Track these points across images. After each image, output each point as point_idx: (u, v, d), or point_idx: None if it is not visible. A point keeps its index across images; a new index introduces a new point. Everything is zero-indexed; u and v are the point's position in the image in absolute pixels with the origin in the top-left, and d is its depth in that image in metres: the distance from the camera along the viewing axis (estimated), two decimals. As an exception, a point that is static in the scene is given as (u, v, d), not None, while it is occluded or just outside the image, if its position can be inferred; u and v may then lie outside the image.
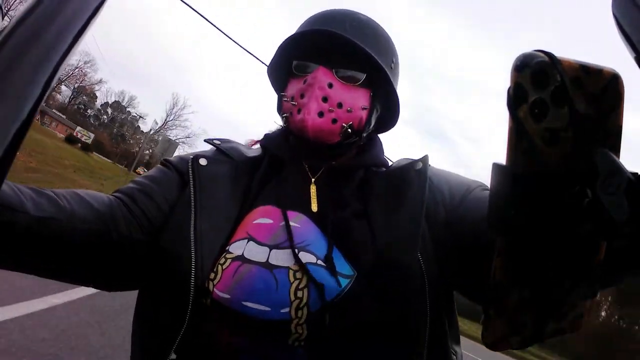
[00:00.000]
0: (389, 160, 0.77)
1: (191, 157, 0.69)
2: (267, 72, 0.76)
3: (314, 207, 0.66)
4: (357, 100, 0.68)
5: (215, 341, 0.59)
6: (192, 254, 0.59)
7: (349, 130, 0.68)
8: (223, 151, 0.72)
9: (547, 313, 0.43)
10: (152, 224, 0.64)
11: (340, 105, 0.67)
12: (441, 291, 0.62)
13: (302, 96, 0.67)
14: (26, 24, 0.34)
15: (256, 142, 0.79)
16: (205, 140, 0.75)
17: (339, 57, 0.68)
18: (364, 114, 0.70)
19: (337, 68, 0.68)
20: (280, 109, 0.73)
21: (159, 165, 0.74)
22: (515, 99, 0.38)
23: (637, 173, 0.34)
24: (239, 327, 0.58)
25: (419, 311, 0.59)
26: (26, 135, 0.34)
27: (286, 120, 0.70)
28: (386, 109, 0.75)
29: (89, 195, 0.61)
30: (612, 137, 0.38)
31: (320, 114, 0.65)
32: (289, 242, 0.61)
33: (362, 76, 0.69)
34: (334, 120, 0.66)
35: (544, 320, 0.44)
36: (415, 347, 0.59)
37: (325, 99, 0.66)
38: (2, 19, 0.39)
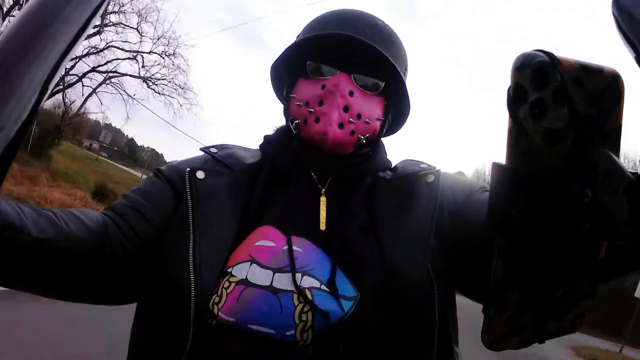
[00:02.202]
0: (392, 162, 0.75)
1: (188, 169, 0.66)
2: (272, 68, 0.73)
3: (322, 225, 0.64)
4: (374, 111, 0.67)
5: (221, 350, 0.59)
6: (191, 277, 0.58)
7: (364, 141, 0.67)
8: (220, 160, 0.69)
9: (547, 312, 0.43)
10: (144, 241, 0.63)
11: (359, 116, 0.65)
12: (446, 296, 0.62)
13: (320, 103, 0.64)
14: (26, 24, 0.34)
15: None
16: (201, 149, 0.72)
17: (358, 63, 0.66)
18: (378, 125, 0.69)
19: (356, 74, 0.66)
20: (288, 112, 0.69)
21: (150, 175, 0.71)
22: (515, 99, 0.38)
23: (637, 173, 0.34)
24: (245, 342, 0.58)
25: (428, 321, 0.59)
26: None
27: (297, 126, 0.67)
28: (394, 116, 0.74)
29: (84, 215, 0.61)
30: (612, 137, 0.38)
31: (341, 126, 0.64)
32: (291, 268, 0.60)
33: (382, 85, 0.68)
34: (352, 132, 0.65)
35: (544, 320, 0.44)
36: (424, 353, 0.59)
37: (346, 109, 0.64)
38: (3, 19, 0.39)
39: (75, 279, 0.60)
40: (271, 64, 0.72)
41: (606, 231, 0.36)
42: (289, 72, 0.71)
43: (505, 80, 0.39)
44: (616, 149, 0.38)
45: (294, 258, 0.61)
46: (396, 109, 0.73)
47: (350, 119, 0.64)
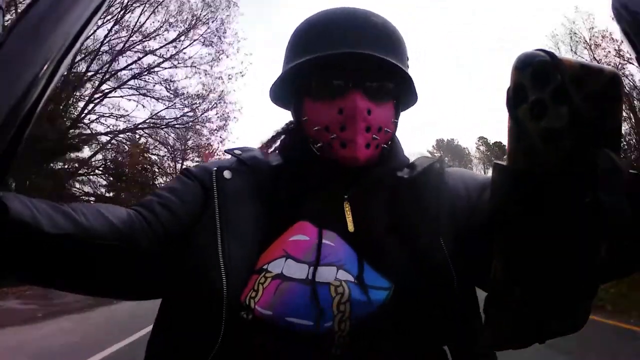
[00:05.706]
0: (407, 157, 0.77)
1: (214, 168, 0.68)
2: (270, 91, 0.73)
3: (350, 227, 0.66)
4: (389, 117, 0.68)
5: (255, 345, 0.59)
6: (222, 271, 0.59)
7: (387, 148, 0.70)
8: (244, 162, 0.71)
9: (547, 312, 0.43)
10: (171, 236, 0.63)
11: (380, 129, 0.66)
12: (467, 290, 0.64)
13: (342, 129, 0.65)
14: (27, 22, 0.34)
15: (267, 145, 0.77)
16: (225, 151, 0.74)
17: (366, 73, 0.66)
18: (393, 126, 0.71)
19: (366, 86, 0.66)
20: (303, 133, 0.70)
21: (179, 174, 0.73)
22: (515, 99, 0.38)
23: (637, 173, 0.34)
24: (280, 336, 0.59)
25: (455, 312, 0.61)
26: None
27: (320, 149, 0.67)
28: (402, 106, 0.75)
29: (108, 211, 0.61)
30: (612, 136, 0.38)
31: (367, 146, 0.65)
32: (315, 259, 0.61)
33: (391, 86, 0.68)
34: (377, 146, 0.67)
35: (545, 320, 0.44)
36: (456, 344, 0.62)
37: (368, 129, 0.65)
38: (4, 18, 0.40)
39: (98, 274, 0.60)
40: (270, 87, 0.73)
41: (606, 231, 0.36)
42: (291, 88, 0.72)
43: (505, 80, 0.39)
44: (616, 148, 0.38)
45: (321, 250, 0.62)
46: (404, 100, 0.74)
47: (374, 136, 0.66)
